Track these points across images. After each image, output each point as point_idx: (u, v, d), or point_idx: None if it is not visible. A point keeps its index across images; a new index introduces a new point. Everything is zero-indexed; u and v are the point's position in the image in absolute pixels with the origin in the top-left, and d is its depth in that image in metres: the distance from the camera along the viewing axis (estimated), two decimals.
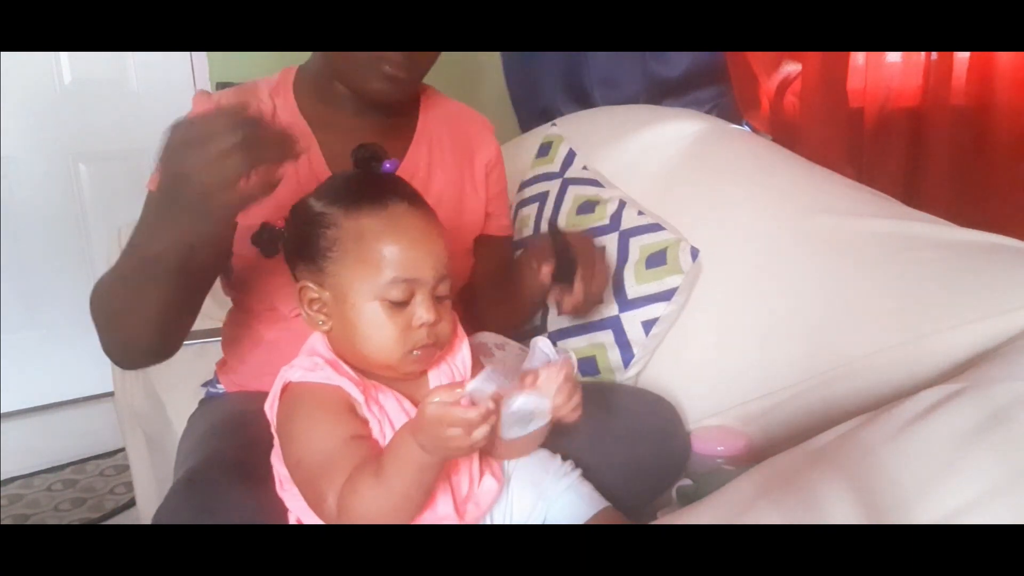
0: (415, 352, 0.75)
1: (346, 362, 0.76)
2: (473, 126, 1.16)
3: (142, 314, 0.85)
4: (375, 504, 0.67)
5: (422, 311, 0.73)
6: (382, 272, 0.72)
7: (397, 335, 0.73)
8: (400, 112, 1.08)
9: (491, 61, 2.61)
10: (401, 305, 0.73)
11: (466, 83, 2.50)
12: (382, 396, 0.75)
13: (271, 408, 0.76)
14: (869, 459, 0.65)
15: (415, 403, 0.76)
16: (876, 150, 1.62)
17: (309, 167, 0.99)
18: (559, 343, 1.27)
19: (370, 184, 0.76)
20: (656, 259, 1.22)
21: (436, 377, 0.80)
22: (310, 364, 0.74)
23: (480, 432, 0.62)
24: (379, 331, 0.73)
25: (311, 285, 0.75)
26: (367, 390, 0.74)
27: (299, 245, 0.77)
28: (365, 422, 0.73)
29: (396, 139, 1.06)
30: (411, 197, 0.76)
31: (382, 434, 0.73)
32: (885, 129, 1.60)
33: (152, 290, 0.82)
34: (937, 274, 1.00)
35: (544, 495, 0.85)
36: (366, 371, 0.77)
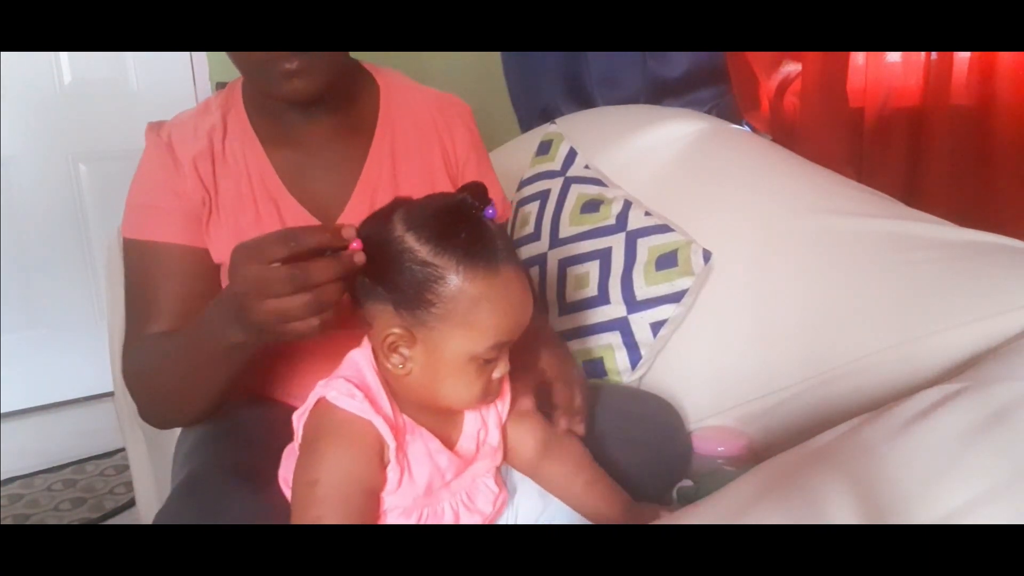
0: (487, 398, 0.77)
1: (404, 396, 0.75)
2: (443, 111, 1.05)
3: (196, 396, 0.86)
4: None
5: (503, 365, 0.74)
6: (487, 338, 0.71)
7: (481, 389, 0.74)
8: (353, 109, 0.99)
9: (489, 61, 2.61)
10: (491, 362, 0.73)
11: (465, 83, 2.51)
12: (410, 438, 0.74)
13: (299, 419, 0.75)
14: (869, 459, 0.65)
15: (445, 442, 0.77)
16: (876, 150, 1.61)
17: (263, 184, 0.95)
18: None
19: (479, 238, 0.70)
20: (666, 260, 1.22)
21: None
22: (347, 390, 0.72)
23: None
24: (467, 387, 0.73)
25: (399, 331, 0.71)
26: (399, 433, 0.73)
27: (395, 288, 0.70)
28: (384, 471, 0.73)
29: (354, 137, 0.99)
30: (514, 255, 0.73)
31: (399, 483, 0.73)
32: (885, 129, 1.60)
33: (206, 377, 0.83)
34: (937, 274, 1.00)
35: (549, 505, 0.86)
36: (408, 402, 0.75)
